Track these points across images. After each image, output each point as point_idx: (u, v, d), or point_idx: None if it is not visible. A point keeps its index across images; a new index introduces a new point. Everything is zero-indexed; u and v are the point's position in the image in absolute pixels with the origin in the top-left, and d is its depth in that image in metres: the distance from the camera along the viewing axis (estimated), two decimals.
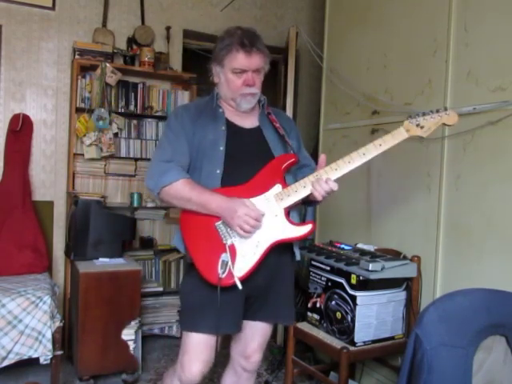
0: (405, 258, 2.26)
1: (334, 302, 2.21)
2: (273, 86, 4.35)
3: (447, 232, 2.16)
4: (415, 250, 2.27)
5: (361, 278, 2.09)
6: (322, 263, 2.30)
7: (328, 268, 2.26)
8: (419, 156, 2.31)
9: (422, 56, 2.32)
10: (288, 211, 1.67)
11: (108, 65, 3.17)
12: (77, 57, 3.16)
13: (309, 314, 2.37)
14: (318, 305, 2.31)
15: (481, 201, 2.01)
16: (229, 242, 1.62)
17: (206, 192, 1.63)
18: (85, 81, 3.21)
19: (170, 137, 1.74)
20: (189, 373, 1.71)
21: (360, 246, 2.46)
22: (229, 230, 1.63)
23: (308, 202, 1.72)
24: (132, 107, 3.36)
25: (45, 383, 2.54)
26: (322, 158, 1.66)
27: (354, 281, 2.11)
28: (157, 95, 3.45)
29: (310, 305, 2.36)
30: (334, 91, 2.94)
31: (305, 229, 1.64)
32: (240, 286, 1.59)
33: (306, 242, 3.41)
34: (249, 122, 1.80)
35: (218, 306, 1.58)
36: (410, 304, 2.23)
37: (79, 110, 3.17)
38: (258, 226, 1.60)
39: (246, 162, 1.70)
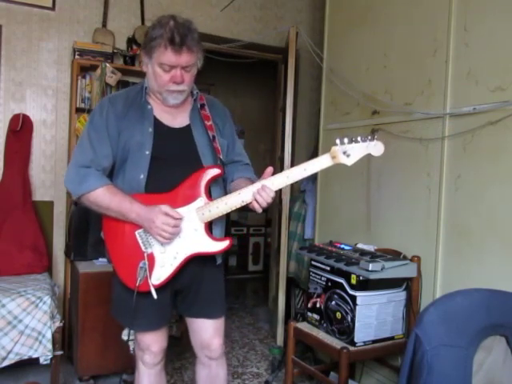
0: (405, 258, 2.26)
1: (333, 302, 2.21)
2: (273, 86, 4.36)
3: (447, 232, 2.16)
4: (415, 250, 2.27)
5: (361, 278, 2.09)
6: (322, 263, 2.30)
7: (328, 268, 2.25)
8: (419, 156, 2.31)
9: (422, 56, 2.32)
10: (209, 224, 1.69)
11: (108, 65, 3.17)
12: (77, 57, 3.15)
13: (309, 314, 2.37)
14: (318, 305, 2.31)
15: (481, 201, 2.01)
16: (148, 251, 1.65)
17: (125, 201, 1.61)
18: (85, 81, 3.21)
19: (91, 136, 1.67)
20: (151, 352, 1.80)
21: (360, 246, 2.46)
22: (149, 238, 1.65)
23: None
24: None
25: (45, 383, 2.54)
26: (268, 170, 1.61)
27: (353, 281, 2.11)
28: None
29: (310, 305, 2.36)
30: (334, 91, 2.94)
31: (222, 245, 1.67)
32: (155, 296, 1.63)
33: (305, 243, 3.43)
34: (179, 119, 1.75)
35: (133, 310, 1.65)
36: (410, 304, 2.23)
37: (79, 110, 3.17)
38: (178, 231, 1.62)
39: (172, 167, 1.68)
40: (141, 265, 1.63)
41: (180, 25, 1.61)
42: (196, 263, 1.72)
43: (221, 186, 1.81)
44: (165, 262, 1.65)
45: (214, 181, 1.71)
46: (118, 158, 1.69)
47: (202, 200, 1.64)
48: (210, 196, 1.68)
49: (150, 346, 1.80)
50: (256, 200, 1.58)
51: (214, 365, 1.89)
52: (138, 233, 1.66)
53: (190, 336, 1.90)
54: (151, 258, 1.65)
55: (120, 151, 1.68)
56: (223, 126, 1.83)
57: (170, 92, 1.66)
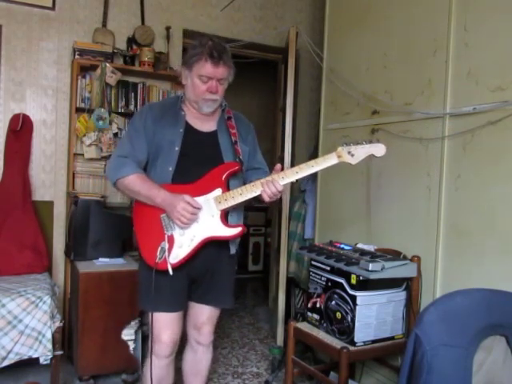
0: (405, 258, 2.26)
1: (333, 302, 2.21)
2: (273, 86, 4.36)
3: (447, 232, 2.16)
4: (415, 250, 2.27)
5: (361, 277, 2.09)
6: (322, 263, 2.30)
7: (328, 268, 2.25)
8: (419, 156, 2.31)
9: (422, 56, 2.32)
10: (226, 212, 1.91)
11: (108, 65, 3.17)
12: (77, 57, 3.16)
13: (309, 314, 2.37)
14: (318, 305, 2.31)
15: (481, 201, 2.01)
16: (169, 233, 1.87)
17: (154, 187, 1.86)
18: (85, 81, 3.21)
19: (131, 134, 1.97)
20: (161, 342, 1.95)
21: (360, 246, 2.46)
22: (171, 222, 1.86)
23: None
24: (132, 107, 3.36)
25: (45, 383, 2.54)
26: (278, 167, 1.86)
27: (353, 281, 2.11)
28: (157, 95, 3.45)
29: (310, 305, 2.36)
30: (334, 91, 2.94)
31: (234, 230, 1.89)
32: (171, 272, 1.83)
33: (305, 243, 3.43)
34: (207, 125, 2.00)
35: (153, 287, 1.83)
36: (410, 304, 2.23)
37: (79, 110, 3.18)
38: (195, 218, 1.84)
39: (197, 163, 1.92)
40: (162, 245, 1.84)
41: (217, 44, 1.90)
42: (211, 250, 1.92)
43: (241, 179, 2.01)
44: (183, 243, 1.86)
45: (232, 177, 1.94)
46: (152, 153, 1.95)
47: (219, 190, 1.88)
48: (227, 189, 1.90)
49: (161, 333, 1.94)
50: (264, 191, 1.80)
51: (200, 350, 2.12)
52: (162, 217, 1.88)
53: (187, 319, 2.09)
54: (171, 239, 1.86)
55: (153, 148, 1.94)
56: (246, 135, 2.08)
57: (205, 100, 1.92)
